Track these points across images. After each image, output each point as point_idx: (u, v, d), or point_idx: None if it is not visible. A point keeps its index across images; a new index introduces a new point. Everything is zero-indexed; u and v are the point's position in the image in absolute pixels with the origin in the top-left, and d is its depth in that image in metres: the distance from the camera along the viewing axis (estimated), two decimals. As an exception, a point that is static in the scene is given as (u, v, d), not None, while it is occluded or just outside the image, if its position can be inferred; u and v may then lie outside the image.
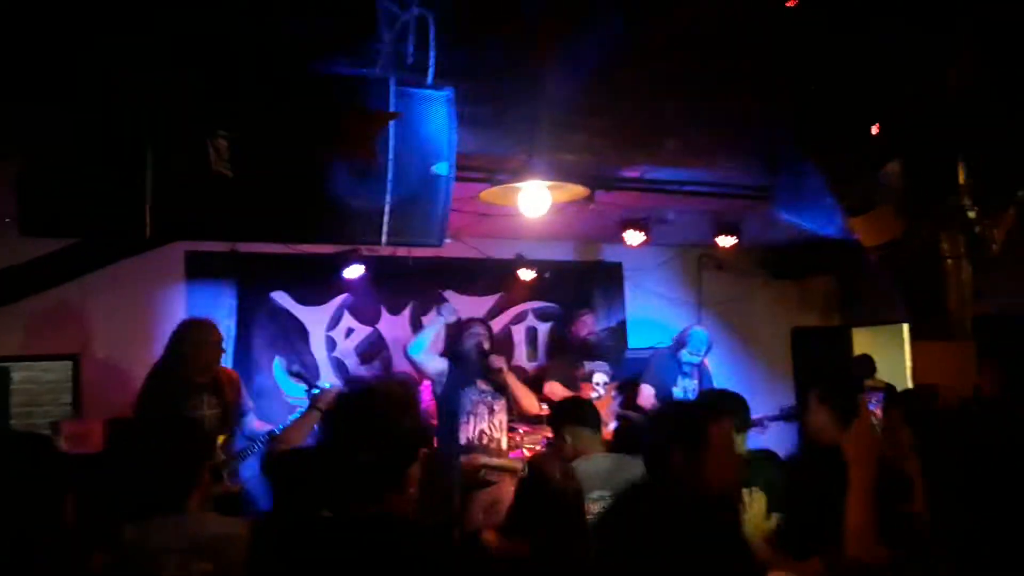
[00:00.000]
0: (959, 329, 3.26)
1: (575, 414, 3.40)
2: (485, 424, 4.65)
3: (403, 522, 1.81)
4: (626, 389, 5.97)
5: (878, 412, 2.24)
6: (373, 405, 1.88)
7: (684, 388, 5.76)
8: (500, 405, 4.70)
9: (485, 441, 4.62)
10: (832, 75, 3.45)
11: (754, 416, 3.51)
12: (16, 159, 2.68)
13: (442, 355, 4.94)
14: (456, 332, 5.11)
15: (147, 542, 2.11)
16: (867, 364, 6.57)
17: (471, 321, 5.20)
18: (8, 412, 5.44)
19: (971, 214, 3.22)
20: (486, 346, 4.82)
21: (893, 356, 6.77)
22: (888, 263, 3.44)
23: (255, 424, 4.51)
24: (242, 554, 2.12)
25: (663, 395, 5.69)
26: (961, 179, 3.26)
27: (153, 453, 2.29)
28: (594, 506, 2.91)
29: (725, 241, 5.95)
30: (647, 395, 5.72)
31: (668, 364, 5.81)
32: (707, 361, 5.93)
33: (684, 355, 5.72)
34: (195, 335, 4.14)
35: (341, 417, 1.93)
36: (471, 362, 4.79)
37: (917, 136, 3.41)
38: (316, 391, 3.97)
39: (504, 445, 4.72)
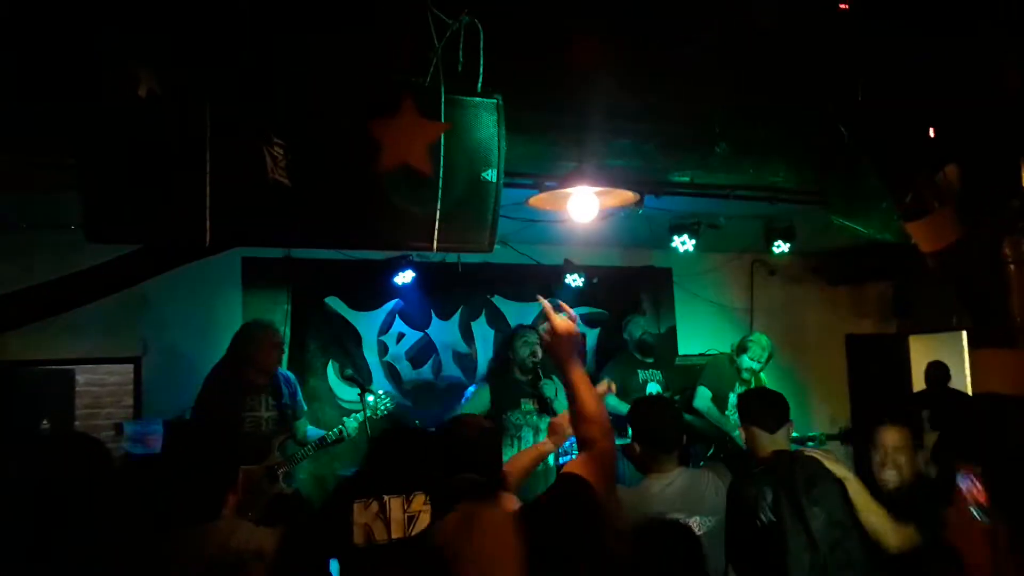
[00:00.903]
0: (1022, 336, 3.15)
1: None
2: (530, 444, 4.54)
3: None
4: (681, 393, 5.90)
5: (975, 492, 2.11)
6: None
7: None
8: (547, 424, 4.63)
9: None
10: (889, 76, 3.39)
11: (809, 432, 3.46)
12: (80, 166, 2.78)
13: (483, 379, 4.86)
14: (506, 341, 5.09)
15: (173, 552, 2.11)
16: (942, 371, 6.40)
17: (522, 329, 5.19)
18: (73, 414, 5.65)
19: (1034, 217, 3.12)
20: (539, 355, 4.78)
21: (953, 364, 6.58)
22: (947, 268, 3.34)
23: (309, 427, 4.60)
24: (263, 572, 2.11)
25: (720, 400, 5.61)
26: (1023, 181, 3.16)
27: (185, 459, 2.31)
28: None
29: (778, 247, 5.86)
30: (704, 398, 5.64)
31: (727, 369, 5.73)
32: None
33: (744, 360, 5.62)
34: (257, 337, 4.25)
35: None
36: (514, 378, 4.72)
37: (976, 137, 3.32)
38: (368, 395, 4.03)
39: (551, 463, 4.58)
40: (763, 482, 2.84)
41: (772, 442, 3.02)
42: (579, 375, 2.05)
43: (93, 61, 2.61)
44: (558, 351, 2.08)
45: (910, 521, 2.82)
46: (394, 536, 1.72)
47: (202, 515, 2.19)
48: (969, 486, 2.04)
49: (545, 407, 4.66)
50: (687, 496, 2.85)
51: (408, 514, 2.37)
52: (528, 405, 4.71)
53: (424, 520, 1.77)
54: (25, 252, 4.75)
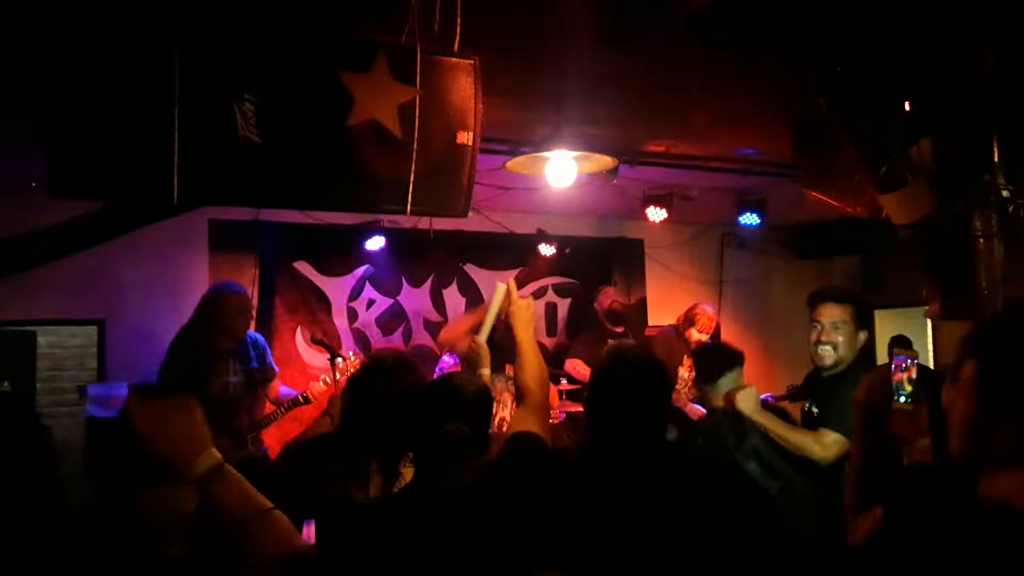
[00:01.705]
0: (989, 310, 3.21)
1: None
2: (507, 412, 4.58)
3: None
4: None
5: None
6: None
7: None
8: None
9: (505, 430, 4.59)
10: (864, 51, 3.39)
11: (762, 396, 3.51)
12: (42, 121, 2.69)
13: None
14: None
15: (129, 515, 2.11)
16: (904, 345, 6.51)
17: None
18: (35, 376, 5.53)
19: (1005, 192, 3.16)
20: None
21: (916, 338, 6.70)
22: (918, 241, 3.38)
23: (280, 390, 4.55)
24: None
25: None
26: (995, 157, 3.20)
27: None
28: None
29: (749, 219, 5.90)
30: None
31: (676, 344, 5.56)
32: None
33: (694, 333, 5.48)
34: (224, 301, 4.17)
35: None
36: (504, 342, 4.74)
37: (950, 113, 3.35)
38: (338, 358, 3.99)
39: None
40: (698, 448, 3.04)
41: (716, 393, 3.12)
42: (528, 337, 2.36)
43: (56, 20, 2.50)
44: (517, 321, 2.39)
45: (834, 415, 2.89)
46: (372, 495, 1.71)
47: (161, 479, 2.17)
48: (903, 364, 2.09)
49: None
50: None
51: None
52: (511, 371, 4.73)
53: (407, 477, 1.76)
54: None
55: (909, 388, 2.10)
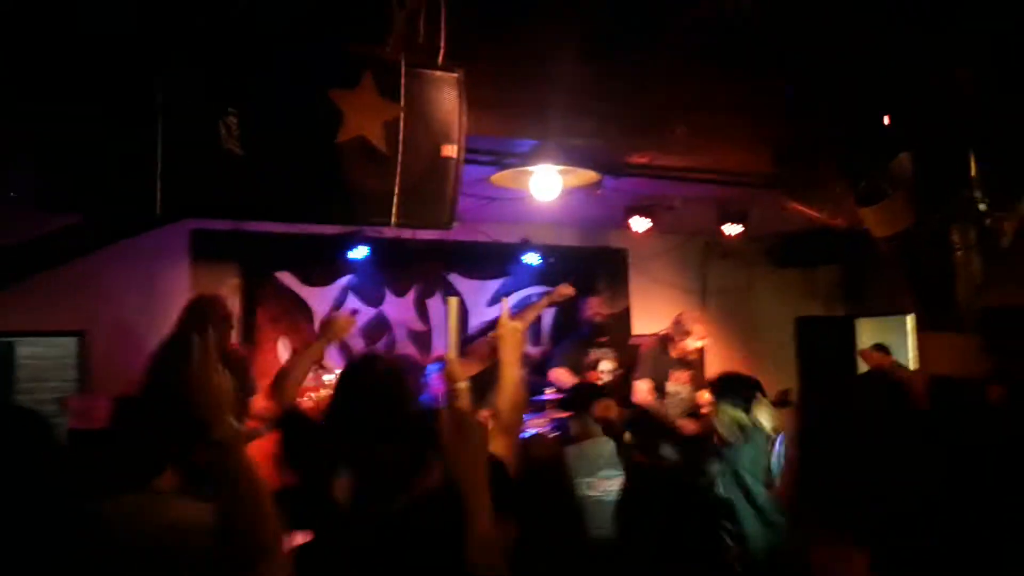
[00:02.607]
0: (967, 321, 3.26)
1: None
2: None
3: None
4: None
5: None
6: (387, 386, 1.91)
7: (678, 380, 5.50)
8: None
9: None
10: (844, 65, 3.43)
11: None
12: (28, 137, 2.67)
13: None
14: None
15: (104, 524, 2.04)
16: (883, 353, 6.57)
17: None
18: (13, 387, 5.47)
19: (982, 206, 3.21)
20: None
21: (897, 347, 6.77)
22: (898, 253, 3.43)
23: (262, 404, 4.52)
24: (205, 541, 2.09)
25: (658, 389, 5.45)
26: (972, 171, 3.25)
27: (124, 430, 2.27)
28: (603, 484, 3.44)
29: (731, 229, 5.94)
30: (643, 391, 5.42)
31: (662, 357, 5.52)
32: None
33: (690, 343, 5.41)
34: (207, 311, 4.15)
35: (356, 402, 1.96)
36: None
37: (929, 127, 3.40)
38: (325, 374, 3.98)
39: None
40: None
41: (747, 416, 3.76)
42: (513, 361, 2.40)
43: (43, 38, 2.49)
44: (505, 345, 2.41)
45: None
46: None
47: (135, 489, 2.15)
48: None
49: None
50: (611, 457, 3.60)
51: None
52: None
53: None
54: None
55: None
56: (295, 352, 4.29)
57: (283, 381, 2.82)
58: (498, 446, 2.13)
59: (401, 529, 1.83)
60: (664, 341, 5.57)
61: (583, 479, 3.49)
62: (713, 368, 5.95)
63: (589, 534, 3.33)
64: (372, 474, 1.89)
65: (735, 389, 3.77)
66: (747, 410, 3.67)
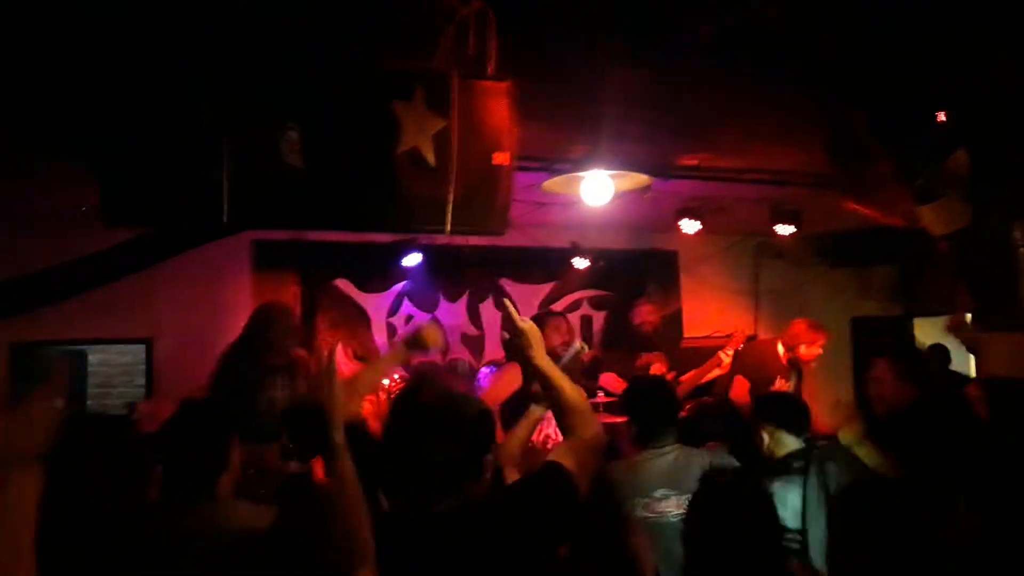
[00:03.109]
0: (1027, 320, 3.20)
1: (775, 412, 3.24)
2: (552, 428, 4.49)
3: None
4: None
5: None
6: (439, 399, 1.91)
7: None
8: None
9: (550, 446, 4.52)
10: (899, 63, 3.40)
11: None
12: (94, 152, 2.81)
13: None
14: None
15: (172, 531, 2.11)
16: (942, 353, 6.42)
17: (551, 316, 5.16)
18: (85, 393, 5.71)
19: (1043, 202, 3.15)
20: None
21: (954, 347, 6.61)
22: (957, 252, 3.38)
23: (369, 410, 4.62)
24: (267, 546, 2.06)
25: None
26: (1032, 167, 3.20)
27: (179, 438, 2.30)
28: (658, 504, 2.94)
29: (784, 229, 5.86)
30: (743, 392, 5.21)
31: (773, 359, 5.31)
32: None
33: (803, 349, 5.21)
34: (274, 319, 4.28)
35: (409, 412, 1.95)
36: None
37: (985, 123, 3.35)
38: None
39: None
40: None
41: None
42: (548, 364, 2.07)
43: (113, 51, 2.63)
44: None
45: None
46: None
47: (195, 496, 2.19)
48: None
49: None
50: (676, 473, 2.96)
51: None
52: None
53: None
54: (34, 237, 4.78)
55: None
56: (363, 359, 4.35)
57: (352, 388, 2.70)
58: (567, 461, 1.94)
59: (451, 535, 1.76)
60: (775, 345, 5.44)
61: (638, 499, 2.97)
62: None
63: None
64: (421, 476, 1.82)
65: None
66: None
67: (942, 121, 3.41)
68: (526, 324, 2.09)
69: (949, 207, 3.30)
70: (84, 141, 2.81)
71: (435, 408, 1.87)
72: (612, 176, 3.38)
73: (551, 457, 1.98)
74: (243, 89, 2.82)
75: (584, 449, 1.98)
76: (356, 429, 2.70)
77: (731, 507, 2.02)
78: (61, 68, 2.76)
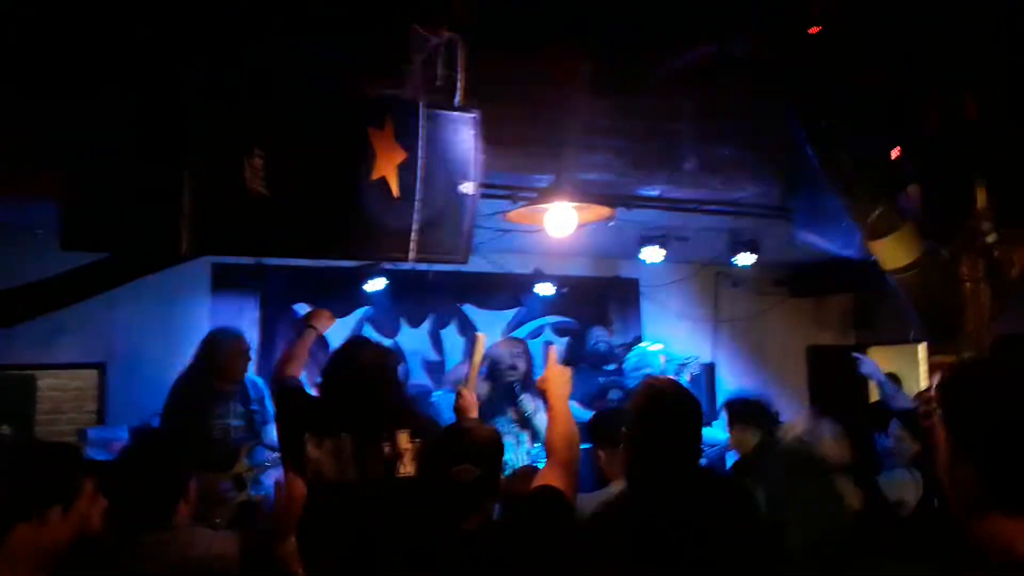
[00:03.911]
0: (976, 352, 3.28)
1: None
2: (511, 455, 4.57)
3: None
4: None
5: None
6: None
7: None
8: (526, 437, 4.69)
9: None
10: (851, 100, 3.50)
11: None
12: (57, 172, 2.76)
13: (484, 378, 4.82)
14: (499, 354, 5.03)
15: (133, 561, 2.09)
16: (895, 382, 6.55)
17: (514, 341, 5.19)
18: (33, 419, 5.53)
19: (990, 238, 3.26)
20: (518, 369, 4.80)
21: (909, 375, 6.77)
22: (907, 286, 3.47)
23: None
24: (233, 570, 2.12)
25: None
26: (980, 203, 3.30)
27: (135, 467, 2.30)
28: None
29: (743, 259, 5.98)
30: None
31: None
32: None
33: None
34: (224, 345, 4.22)
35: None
36: (505, 387, 4.76)
37: (937, 160, 3.46)
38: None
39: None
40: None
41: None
42: (561, 402, 2.42)
43: (76, 73, 2.59)
44: (553, 387, 2.46)
45: None
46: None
47: (152, 524, 2.17)
48: None
49: (524, 421, 4.70)
50: None
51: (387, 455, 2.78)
52: (513, 414, 4.74)
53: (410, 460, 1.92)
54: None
55: None
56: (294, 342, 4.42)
57: (287, 364, 3.31)
58: (554, 480, 2.17)
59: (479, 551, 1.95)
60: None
61: None
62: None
63: None
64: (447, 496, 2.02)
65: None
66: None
67: (895, 156, 3.52)
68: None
69: (901, 241, 3.39)
70: (46, 162, 2.77)
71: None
72: (575, 208, 3.42)
73: (540, 481, 2.19)
74: (207, 115, 2.80)
75: (565, 467, 2.25)
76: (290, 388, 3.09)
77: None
78: (20, 88, 2.72)
